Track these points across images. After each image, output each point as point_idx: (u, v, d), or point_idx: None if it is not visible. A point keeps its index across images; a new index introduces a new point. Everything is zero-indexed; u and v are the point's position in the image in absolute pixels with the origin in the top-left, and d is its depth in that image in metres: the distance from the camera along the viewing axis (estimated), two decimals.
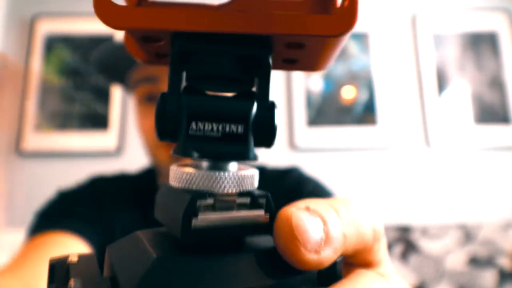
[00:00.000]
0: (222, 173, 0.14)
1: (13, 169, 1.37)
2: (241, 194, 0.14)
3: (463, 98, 1.44)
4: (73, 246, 0.47)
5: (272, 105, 0.14)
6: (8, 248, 1.25)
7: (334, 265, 0.14)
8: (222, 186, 0.13)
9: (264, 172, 0.62)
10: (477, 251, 1.30)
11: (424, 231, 1.32)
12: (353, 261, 0.15)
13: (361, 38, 1.47)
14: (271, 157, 1.37)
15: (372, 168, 1.41)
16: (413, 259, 1.30)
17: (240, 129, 0.14)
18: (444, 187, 1.40)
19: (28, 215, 1.34)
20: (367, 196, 1.38)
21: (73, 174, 1.19)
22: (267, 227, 0.14)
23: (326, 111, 1.42)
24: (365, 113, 1.42)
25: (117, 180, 0.61)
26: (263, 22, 0.13)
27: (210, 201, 0.13)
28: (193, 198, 0.13)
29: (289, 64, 0.16)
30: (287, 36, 0.13)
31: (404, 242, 1.31)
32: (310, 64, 0.16)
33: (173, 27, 0.13)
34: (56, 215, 0.52)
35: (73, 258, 0.14)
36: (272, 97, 0.14)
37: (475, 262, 1.29)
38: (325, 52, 0.15)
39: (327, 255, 0.13)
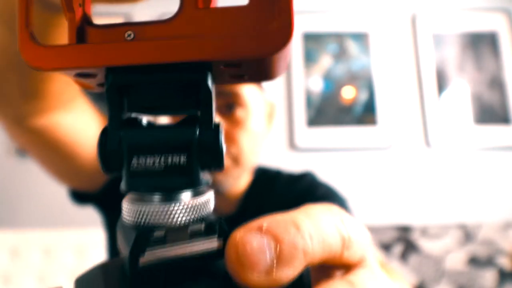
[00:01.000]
0: (172, 205, 0.13)
1: (13, 169, 1.37)
2: (195, 222, 0.14)
3: (462, 98, 1.44)
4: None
5: (216, 127, 0.14)
6: (8, 248, 1.25)
7: (300, 278, 0.13)
8: (173, 218, 0.13)
9: (279, 177, 0.63)
10: (477, 251, 1.31)
11: (424, 231, 1.32)
12: (325, 266, 0.15)
13: (361, 38, 1.47)
14: (271, 157, 1.38)
15: (372, 168, 1.41)
16: (413, 259, 1.30)
17: (182, 158, 0.13)
18: (444, 187, 1.40)
19: (28, 215, 1.34)
20: (367, 196, 1.39)
21: None
22: (222, 252, 0.13)
23: (326, 111, 1.42)
24: (365, 113, 1.42)
25: None
26: (192, 49, 0.13)
27: (160, 234, 0.13)
28: (139, 236, 0.12)
29: (238, 79, 0.16)
30: (220, 60, 0.13)
31: (404, 242, 1.31)
32: (260, 76, 0.15)
33: (100, 64, 0.13)
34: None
35: None
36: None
37: (474, 262, 1.29)
38: (271, 65, 0.14)
39: (284, 274, 0.12)
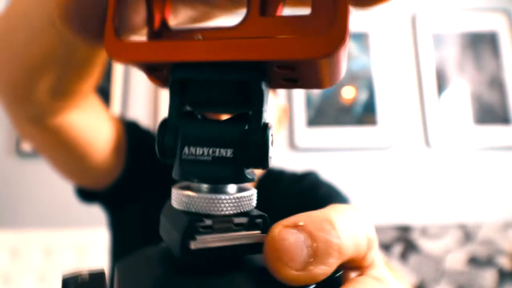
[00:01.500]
0: (220, 196, 0.14)
1: (13, 169, 1.37)
2: (239, 215, 0.14)
3: (462, 98, 1.45)
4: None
5: (265, 127, 0.14)
6: (8, 248, 1.25)
7: (333, 275, 0.14)
8: (220, 209, 0.14)
9: (282, 176, 0.64)
10: (477, 250, 1.31)
11: (424, 231, 1.33)
12: (346, 265, 0.15)
13: (361, 38, 1.47)
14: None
15: (372, 168, 1.41)
16: (413, 258, 1.30)
17: (229, 153, 0.14)
18: (444, 187, 1.40)
19: (28, 215, 1.34)
20: (366, 196, 1.39)
21: None
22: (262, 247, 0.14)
23: (326, 111, 1.43)
24: (365, 114, 1.42)
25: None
26: (247, 49, 0.13)
27: (208, 222, 0.14)
28: (191, 222, 0.13)
29: (291, 83, 0.16)
30: (275, 61, 0.14)
31: (404, 241, 1.31)
32: (313, 82, 0.16)
33: (167, 59, 0.14)
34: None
35: (85, 276, 0.14)
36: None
37: (474, 261, 1.30)
38: (323, 70, 0.14)
39: (319, 271, 0.13)
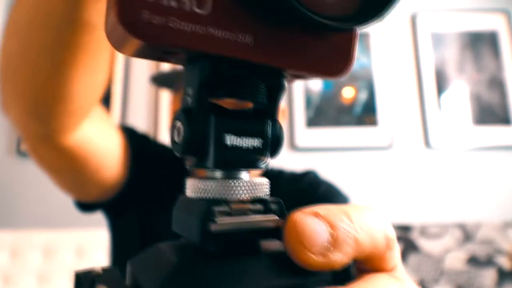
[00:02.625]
0: (235, 181, 0.15)
1: (13, 169, 1.37)
2: (254, 200, 0.15)
3: (462, 99, 1.45)
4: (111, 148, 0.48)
5: (280, 124, 0.17)
6: (8, 248, 1.25)
7: (348, 267, 0.14)
8: (236, 193, 0.14)
9: (281, 176, 0.64)
10: (476, 250, 1.31)
11: (424, 231, 1.33)
12: (367, 267, 0.16)
13: (361, 38, 1.47)
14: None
15: (372, 168, 1.41)
16: (413, 258, 1.30)
17: (259, 142, 0.15)
18: (443, 186, 1.40)
19: (28, 215, 1.34)
20: (367, 196, 1.39)
21: None
22: (280, 232, 0.15)
23: (325, 111, 1.43)
24: (365, 114, 1.43)
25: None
26: (281, 58, 0.15)
27: (225, 207, 0.14)
28: (209, 204, 0.14)
29: (299, 78, 0.18)
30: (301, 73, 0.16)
31: (404, 241, 1.32)
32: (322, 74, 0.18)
33: (206, 50, 0.14)
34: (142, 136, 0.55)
35: (98, 270, 0.15)
36: (282, 102, 0.15)
37: (474, 261, 1.30)
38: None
39: (337, 258, 0.13)
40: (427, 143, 1.42)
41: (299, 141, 1.40)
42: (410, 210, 1.39)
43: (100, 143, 0.44)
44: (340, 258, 0.13)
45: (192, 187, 0.15)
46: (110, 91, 1.39)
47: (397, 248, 0.16)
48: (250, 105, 0.16)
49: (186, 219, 0.15)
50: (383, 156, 1.42)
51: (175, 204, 0.16)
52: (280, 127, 0.16)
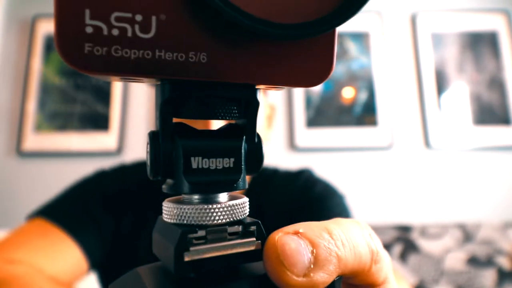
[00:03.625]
0: (212, 206, 0.14)
1: (13, 169, 1.38)
2: (232, 223, 0.14)
3: (462, 99, 1.45)
4: (68, 248, 0.47)
5: (259, 139, 0.16)
6: None
7: (333, 285, 0.14)
8: (212, 218, 0.14)
9: (277, 175, 0.63)
10: (476, 250, 1.31)
11: (424, 231, 1.33)
12: (354, 282, 0.15)
13: (361, 38, 1.47)
14: (271, 157, 1.38)
15: (372, 168, 1.41)
16: (413, 258, 1.30)
17: (232, 162, 0.15)
18: (444, 187, 1.40)
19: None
20: (367, 196, 1.39)
21: (73, 175, 1.20)
22: (259, 254, 0.14)
23: (325, 112, 1.43)
24: (365, 114, 1.43)
25: (119, 175, 0.61)
26: (246, 74, 0.14)
27: (201, 233, 0.14)
28: (184, 233, 0.13)
29: (276, 89, 0.17)
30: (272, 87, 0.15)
31: (404, 241, 1.32)
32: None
33: (165, 76, 0.13)
34: (74, 207, 0.52)
35: None
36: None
37: (474, 261, 1.30)
38: None
39: (319, 277, 0.13)
40: (427, 143, 1.42)
41: (299, 141, 1.40)
42: (410, 210, 1.39)
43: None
44: (323, 277, 0.13)
45: (168, 212, 0.15)
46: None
47: (385, 261, 0.16)
48: (225, 122, 0.16)
49: (163, 244, 0.14)
50: (383, 156, 1.42)
51: (154, 226, 0.16)
52: (259, 141, 0.16)
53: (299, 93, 1.43)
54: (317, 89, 1.44)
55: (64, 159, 1.37)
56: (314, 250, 0.13)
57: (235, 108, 0.15)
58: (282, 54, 0.14)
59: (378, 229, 1.31)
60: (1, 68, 1.44)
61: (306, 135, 1.40)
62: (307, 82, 0.15)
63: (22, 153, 1.36)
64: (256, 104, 0.15)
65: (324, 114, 1.42)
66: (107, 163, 1.33)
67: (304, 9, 0.13)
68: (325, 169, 1.37)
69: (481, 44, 1.48)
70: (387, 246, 1.31)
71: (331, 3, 0.13)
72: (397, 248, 1.31)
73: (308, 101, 1.43)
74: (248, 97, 0.15)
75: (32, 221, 0.48)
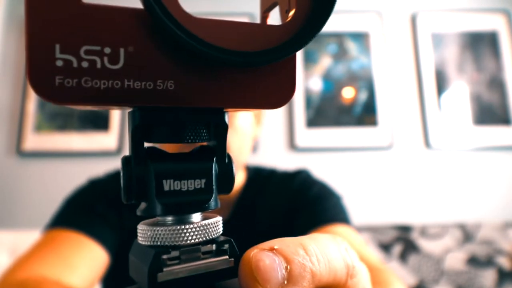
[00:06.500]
0: (185, 226, 0.14)
1: (13, 169, 1.38)
2: (206, 242, 0.15)
3: (462, 99, 1.45)
4: (85, 248, 0.49)
5: (229, 159, 0.16)
6: (8, 248, 1.25)
7: None
8: (186, 238, 0.14)
9: (273, 176, 0.63)
10: (476, 250, 1.31)
11: (424, 231, 1.33)
12: None
13: (361, 38, 1.47)
14: (271, 157, 1.38)
15: (372, 169, 1.41)
16: (413, 258, 1.30)
17: (203, 183, 0.15)
18: (443, 187, 1.40)
19: (28, 215, 1.35)
20: (366, 196, 1.39)
21: (74, 175, 1.20)
22: (234, 271, 0.15)
23: (325, 112, 1.43)
24: (365, 114, 1.42)
25: (114, 181, 0.62)
26: (212, 99, 0.14)
27: (175, 253, 0.14)
28: (157, 254, 0.14)
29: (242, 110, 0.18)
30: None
31: (404, 241, 1.32)
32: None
33: (135, 104, 0.14)
34: (79, 210, 0.54)
35: None
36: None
37: (474, 261, 1.30)
38: None
39: None
40: (427, 143, 1.42)
41: (299, 142, 1.40)
42: (410, 210, 1.39)
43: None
44: None
45: (143, 235, 0.15)
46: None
47: (363, 275, 0.16)
48: (195, 145, 0.16)
49: (138, 266, 0.15)
50: (383, 156, 1.42)
51: (131, 249, 0.16)
52: (229, 162, 0.16)
53: (299, 93, 1.43)
54: (317, 89, 1.44)
55: (64, 159, 1.37)
56: (288, 266, 0.13)
57: (204, 131, 0.16)
58: (246, 79, 0.15)
59: (378, 229, 1.32)
60: (1, 68, 1.44)
61: (306, 135, 1.40)
62: (271, 104, 0.15)
63: (22, 153, 1.36)
64: (225, 126, 0.16)
65: (324, 114, 1.42)
66: (107, 163, 1.33)
67: (264, 37, 0.14)
68: (325, 169, 1.37)
69: (481, 44, 1.48)
70: (387, 246, 1.31)
71: (291, 29, 0.14)
72: (397, 248, 1.31)
73: (308, 101, 1.43)
74: (217, 120, 0.16)
75: (48, 233, 0.51)
